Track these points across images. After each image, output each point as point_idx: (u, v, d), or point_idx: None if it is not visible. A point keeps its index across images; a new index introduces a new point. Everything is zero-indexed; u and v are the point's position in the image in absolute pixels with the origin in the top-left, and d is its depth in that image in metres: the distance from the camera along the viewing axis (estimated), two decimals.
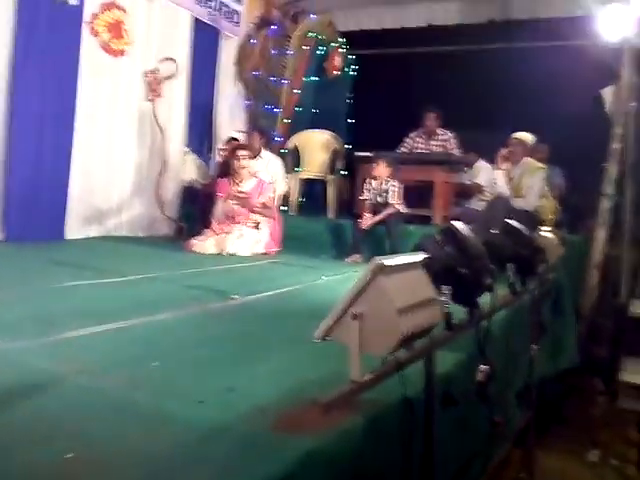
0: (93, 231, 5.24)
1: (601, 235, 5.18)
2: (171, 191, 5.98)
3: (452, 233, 1.83)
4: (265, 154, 5.78)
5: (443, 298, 1.71)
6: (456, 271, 1.75)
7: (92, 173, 5.20)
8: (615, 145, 5.22)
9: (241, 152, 5.07)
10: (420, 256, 1.58)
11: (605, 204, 5.21)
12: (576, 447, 3.77)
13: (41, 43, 4.63)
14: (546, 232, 3.39)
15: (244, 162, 5.03)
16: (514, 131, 5.16)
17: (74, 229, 5.05)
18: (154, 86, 5.61)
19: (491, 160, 5.84)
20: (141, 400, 1.49)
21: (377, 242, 4.97)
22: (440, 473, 1.72)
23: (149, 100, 5.64)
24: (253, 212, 5.00)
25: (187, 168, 6.22)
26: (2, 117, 4.49)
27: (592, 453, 3.67)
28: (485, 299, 1.98)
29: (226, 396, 1.55)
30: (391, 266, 1.35)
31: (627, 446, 3.75)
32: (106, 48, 5.17)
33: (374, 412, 1.47)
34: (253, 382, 1.68)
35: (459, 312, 1.94)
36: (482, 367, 1.93)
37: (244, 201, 4.97)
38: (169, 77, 5.79)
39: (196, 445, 1.25)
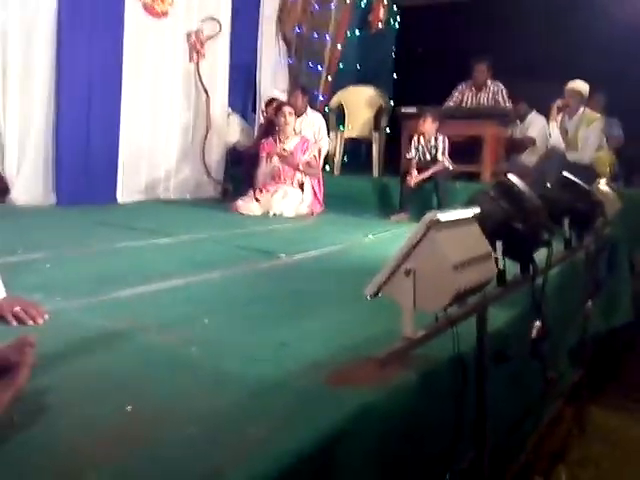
0: (142, 195, 5.35)
1: None
2: (216, 153, 6.01)
3: (507, 187, 1.77)
4: (309, 112, 5.72)
5: (497, 254, 1.67)
6: (511, 226, 1.70)
7: (140, 137, 5.27)
8: None
9: (287, 108, 5.01)
10: (474, 211, 1.53)
11: None
12: (630, 404, 3.70)
13: (85, 7, 4.65)
14: (603, 185, 3.25)
15: (289, 118, 4.98)
16: (568, 81, 4.91)
17: (124, 193, 5.16)
18: (197, 47, 5.59)
19: (544, 112, 5.60)
20: (196, 357, 1.52)
21: (424, 200, 4.88)
22: (492, 430, 1.71)
23: (193, 61, 5.62)
24: (297, 170, 4.98)
25: (231, 130, 6.24)
26: (50, 83, 4.57)
27: None
28: (541, 254, 1.92)
29: (279, 352, 1.57)
30: (445, 221, 1.31)
31: None
32: (149, 10, 5.16)
33: (427, 368, 1.46)
34: (305, 339, 1.69)
35: (513, 268, 1.90)
36: (536, 324, 1.88)
37: (288, 159, 4.95)
38: (211, 37, 5.74)
39: (251, 400, 1.27)
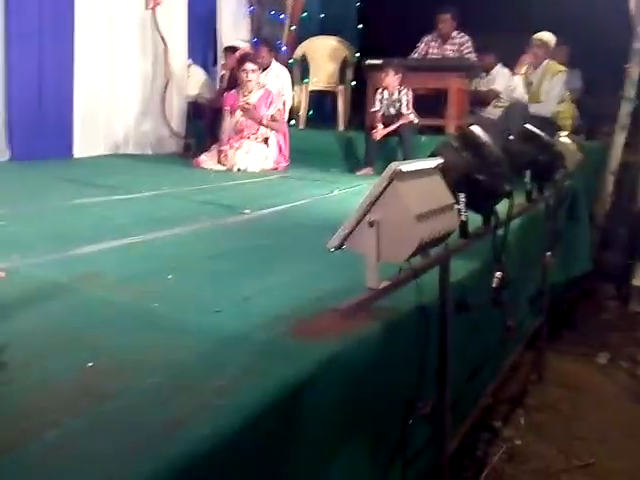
0: (100, 149, 5.18)
1: (619, 140, 5.03)
2: (177, 106, 5.83)
3: (470, 139, 1.77)
4: (274, 66, 5.57)
5: (460, 205, 1.68)
6: (474, 177, 1.71)
7: (96, 89, 5.07)
8: (637, 45, 4.95)
9: (249, 65, 4.85)
10: (437, 162, 1.52)
11: (625, 108, 5.03)
12: (586, 350, 3.86)
13: None
14: (564, 138, 3.29)
15: (252, 75, 4.83)
16: (532, 33, 4.89)
17: (81, 147, 4.99)
18: None
19: (509, 65, 5.59)
20: (158, 311, 1.50)
21: (389, 154, 4.86)
22: (454, 377, 1.76)
23: (149, 9, 5.37)
24: (261, 124, 4.89)
25: (192, 82, 6.05)
26: None
27: (602, 355, 3.76)
28: (502, 206, 1.94)
29: (242, 306, 1.57)
30: (407, 172, 1.30)
31: (637, 348, 3.82)
32: None
33: (390, 319, 1.48)
34: (269, 293, 1.69)
35: (475, 220, 1.92)
36: (497, 274, 1.92)
37: (251, 112, 4.84)
38: None
39: (214, 352, 1.27)
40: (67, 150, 4.86)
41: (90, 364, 1.14)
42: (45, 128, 4.64)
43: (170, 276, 1.80)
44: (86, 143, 5.02)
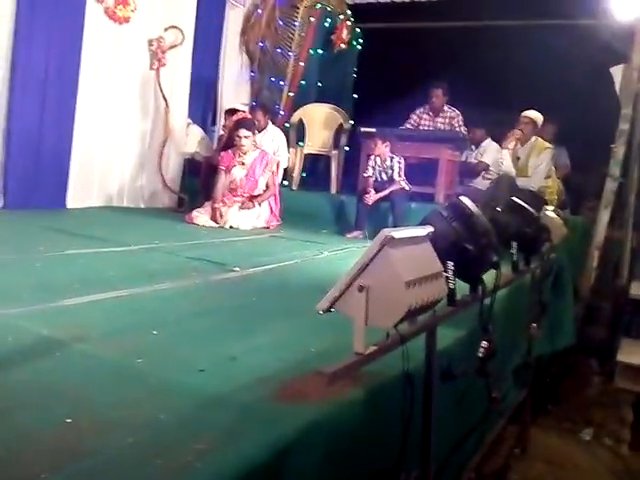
0: (94, 201, 5.21)
1: (604, 217, 5.16)
2: (173, 163, 5.93)
3: (459, 209, 1.81)
4: (270, 128, 5.73)
5: (448, 273, 1.70)
6: (462, 247, 1.74)
7: (95, 142, 5.15)
8: (623, 126, 5.16)
9: (243, 132, 4.97)
10: (427, 230, 1.56)
11: (610, 185, 5.18)
12: (570, 426, 3.81)
13: (45, 8, 4.54)
14: (550, 212, 3.37)
15: (245, 141, 4.94)
16: (521, 110, 5.10)
17: (75, 198, 5.02)
18: (158, 55, 5.53)
19: (498, 139, 5.79)
20: (142, 368, 1.49)
21: (379, 219, 4.94)
22: (437, 448, 1.73)
23: (153, 69, 5.56)
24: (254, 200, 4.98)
25: (190, 140, 6.18)
26: (4, 83, 4.43)
27: (586, 432, 3.71)
28: (489, 276, 1.97)
29: (227, 366, 1.55)
30: (399, 238, 1.33)
31: (621, 426, 3.78)
32: (111, 15, 5.08)
33: (375, 385, 1.47)
34: (255, 353, 1.68)
35: (462, 288, 1.94)
36: (483, 343, 1.92)
37: (248, 204, 4.93)
38: (174, 46, 5.70)
39: (196, 413, 1.25)
40: (61, 201, 4.89)
41: (69, 420, 1.12)
42: (41, 178, 4.68)
43: (155, 332, 1.79)
44: (80, 194, 5.06)
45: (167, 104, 5.67)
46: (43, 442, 1.04)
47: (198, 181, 5.65)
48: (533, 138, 4.89)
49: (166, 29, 5.62)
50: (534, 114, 4.89)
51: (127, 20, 5.23)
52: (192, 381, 1.42)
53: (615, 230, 5.23)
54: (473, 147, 6.14)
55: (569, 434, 3.69)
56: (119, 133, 5.38)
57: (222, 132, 6.11)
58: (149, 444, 1.08)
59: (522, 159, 4.87)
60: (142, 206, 5.62)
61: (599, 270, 5.17)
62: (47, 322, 1.79)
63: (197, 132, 6.33)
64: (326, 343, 1.78)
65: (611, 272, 5.16)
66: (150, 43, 5.50)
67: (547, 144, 4.93)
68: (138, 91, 5.51)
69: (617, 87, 5.22)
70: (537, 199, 3.43)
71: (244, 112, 5.81)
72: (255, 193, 5.02)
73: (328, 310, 1.39)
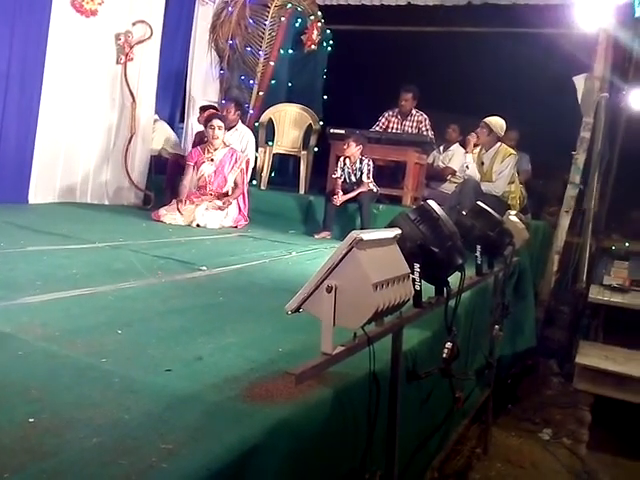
0: (57, 196, 5.09)
1: (565, 222, 5.31)
2: (140, 159, 5.83)
3: (426, 212, 1.84)
4: (240, 126, 5.70)
5: (414, 275, 1.73)
6: (428, 249, 1.77)
7: (59, 137, 5.03)
8: (584, 134, 5.32)
9: (216, 122, 4.96)
10: (395, 232, 1.58)
11: (571, 192, 5.33)
12: (530, 426, 3.90)
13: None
14: (513, 217, 3.45)
15: (218, 132, 4.93)
16: (486, 116, 5.20)
17: (37, 193, 4.89)
18: (126, 49, 5.43)
19: (464, 144, 5.89)
20: (106, 367, 1.47)
21: (347, 220, 4.98)
22: (402, 447, 1.76)
23: (120, 63, 5.47)
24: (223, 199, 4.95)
25: (156, 136, 6.10)
26: None
27: (545, 432, 3.81)
28: (453, 278, 2.01)
29: (194, 365, 1.55)
30: (367, 240, 1.35)
31: (579, 426, 3.89)
32: (78, 8, 4.97)
33: (342, 385, 1.49)
34: (222, 352, 1.67)
35: (428, 290, 1.97)
36: (448, 344, 1.96)
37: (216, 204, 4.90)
38: (141, 41, 5.61)
39: (162, 413, 1.24)
40: (23, 196, 4.76)
41: (31, 420, 1.10)
42: (2, 172, 4.54)
43: (120, 331, 1.76)
44: (43, 189, 4.93)
45: (134, 99, 5.58)
46: (5, 442, 1.02)
47: (164, 178, 5.57)
48: (497, 144, 4.99)
49: (134, 23, 5.53)
50: (491, 120, 4.98)
51: (94, 13, 5.12)
52: (158, 381, 1.41)
53: (575, 235, 5.39)
54: (441, 149, 6.25)
55: (529, 434, 3.78)
56: (84, 128, 5.26)
57: (195, 129, 6.05)
58: (114, 444, 1.07)
59: (486, 164, 4.97)
60: (106, 203, 5.52)
61: (559, 274, 5.32)
62: (9, 320, 1.75)
63: (164, 129, 6.26)
64: (294, 343, 1.79)
65: (571, 276, 5.31)
66: (117, 37, 5.40)
67: (511, 150, 5.04)
68: (104, 86, 5.40)
69: (579, 96, 5.37)
70: (501, 204, 3.51)
71: (216, 110, 5.77)
72: (224, 190, 5.00)
73: (297, 310, 1.40)
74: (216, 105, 6.17)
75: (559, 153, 5.83)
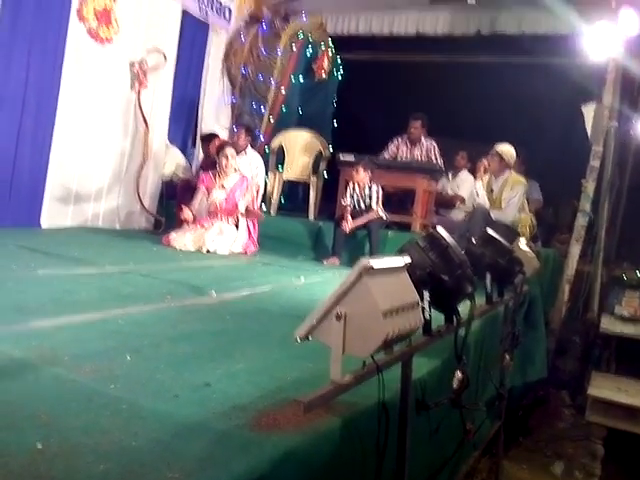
0: (69, 221, 5.14)
1: (575, 251, 5.28)
2: (151, 184, 5.91)
3: (436, 240, 1.84)
4: (249, 152, 5.76)
5: (424, 303, 1.72)
6: (438, 277, 1.76)
7: (72, 162, 5.10)
8: (594, 163, 5.32)
9: (229, 150, 5.01)
10: (404, 260, 1.58)
11: (581, 221, 5.31)
12: (542, 459, 3.83)
13: (27, 25, 4.53)
14: (523, 245, 3.43)
15: (232, 161, 4.99)
16: (495, 143, 5.23)
17: (50, 217, 4.94)
18: (140, 77, 5.54)
19: (472, 170, 5.91)
20: (115, 393, 1.46)
21: (356, 246, 4.98)
22: (412, 479, 1.73)
23: (134, 90, 5.57)
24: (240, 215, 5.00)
25: (168, 162, 6.17)
26: None
27: (557, 465, 3.73)
28: (463, 307, 2.00)
29: (202, 392, 1.54)
30: (377, 268, 1.35)
31: (592, 459, 3.81)
32: (93, 35, 5.09)
33: (351, 415, 1.47)
34: (230, 379, 1.66)
35: (438, 318, 1.96)
36: (458, 374, 1.94)
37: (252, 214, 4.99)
38: (155, 68, 5.72)
39: (170, 440, 1.23)
40: (35, 220, 4.81)
41: (40, 445, 1.09)
42: (15, 196, 4.60)
43: (129, 356, 1.76)
44: (55, 214, 4.98)
45: (147, 126, 5.67)
46: (14, 467, 1.01)
47: (175, 203, 5.62)
48: (507, 172, 5.00)
49: (148, 51, 5.65)
50: (503, 148, 5.00)
51: (110, 41, 5.24)
52: (166, 407, 1.40)
53: (586, 264, 5.35)
54: (450, 176, 6.26)
55: (540, 467, 3.70)
56: (97, 153, 5.34)
57: (203, 153, 6.15)
58: (121, 471, 1.06)
59: (495, 191, 4.97)
60: (118, 227, 5.57)
61: (570, 303, 5.27)
62: (19, 344, 1.75)
63: (175, 154, 6.33)
64: (302, 371, 1.77)
65: (582, 305, 5.26)
66: (132, 65, 5.52)
67: (520, 178, 5.05)
68: (118, 112, 5.50)
69: (588, 125, 5.39)
70: (510, 232, 3.50)
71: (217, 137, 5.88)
72: (234, 216, 5.03)
73: (305, 338, 1.40)
74: (219, 131, 6.26)
75: (569, 181, 5.83)
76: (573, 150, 5.73)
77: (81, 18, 4.94)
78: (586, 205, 5.32)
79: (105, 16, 5.13)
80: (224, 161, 4.98)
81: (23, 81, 4.58)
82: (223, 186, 5.01)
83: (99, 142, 5.34)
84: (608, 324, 4.83)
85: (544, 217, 6.40)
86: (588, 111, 5.45)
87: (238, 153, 5.49)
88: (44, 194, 4.88)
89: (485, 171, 5.07)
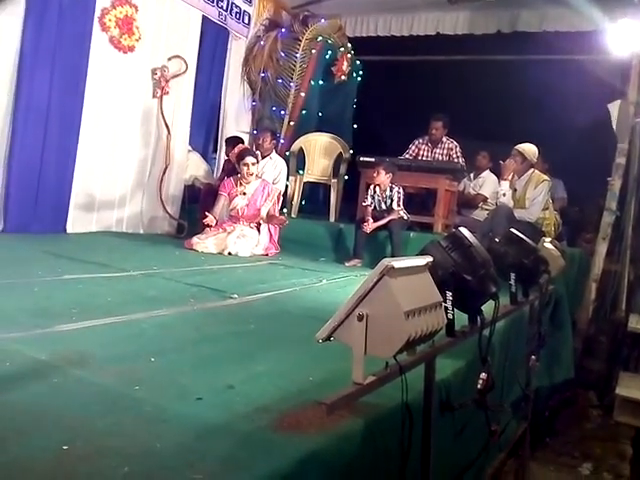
0: (94, 226, 5.23)
1: (602, 249, 5.18)
2: (174, 189, 5.97)
3: (458, 239, 1.82)
4: (274, 156, 5.79)
5: (447, 303, 1.71)
6: (461, 277, 1.74)
7: (96, 168, 5.19)
8: (619, 160, 5.22)
9: (250, 159, 5.04)
10: (426, 260, 1.57)
11: (607, 219, 5.22)
12: (569, 460, 3.76)
13: (51, 36, 4.62)
14: (548, 244, 3.38)
15: (252, 168, 5.03)
16: (518, 142, 5.16)
17: (75, 223, 5.03)
18: (162, 83, 5.61)
19: (494, 170, 5.85)
20: (139, 396, 1.47)
21: (378, 248, 4.96)
22: None
23: (156, 97, 5.63)
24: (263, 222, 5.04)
25: (190, 167, 6.23)
26: (7, 108, 4.47)
27: (585, 466, 3.66)
28: (487, 307, 1.97)
29: (225, 394, 1.54)
30: (399, 268, 1.34)
31: (620, 460, 3.74)
32: (115, 44, 5.17)
33: (374, 416, 1.46)
34: (253, 381, 1.66)
35: (460, 319, 1.94)
36: (482, 375, 1.91)
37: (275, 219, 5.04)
38: (177, 75, 5.79)
39: (193, 443, 1.23)
40: (61, 225, 4.90)
41: (65, 447, 1.11)
42: (41, 202, 4.69)
43: (153, 359, 1.78)
44: (80, 219, 5.07)
45: (169, 132, 5.73)
46: (39, 469, 1.03)
47: (198, 207, 5.67)
48: (530, 170, 4.93)
49: (170, 58, 5.72)
50: (524, 147, 4.92)
51: (132, 49, 5.32)
52: (189, 410, 1.41)
53: (612, 263, 5.25)
54: (471, 176, 6.20)
55: (568, 468, 3.64)
56: (121, 159, 5.42)
57: (225, 158, 6.18)
58: (144, 474, 1.07)
59: (519, 191, 4.90)
60: (141, 232, 5.64)
61: (597, 303, 5.17)
62: (45, 347, 1.78)
63: (197, 159, 6.39)
64: (325, 372, 1.77)
65: (609, 305, 5.16)
66: (154, 72, 5.59)
67: (544, 176, 4.97)
68: (141, 119, 5.57)
69: (614, 122, 5.29)
70: (535, 231, 3.45)
71: (243, 144, 5.90)
72: (255, 222, 5.06)
73: (327, 339, 1.39)
74: (241, 136, 6.30)
75: (594, 179, 5.73)
76: (598, 148, 5.62)
77: (103, 27, 5.03)
78: (612, 203, 5.23)
79: (127, 24, 5.21)
80: (245, 169, 5.01)
81: (47, 91, 4.67)
82: (244, 193, 5.05)
83: (123, 149, 5.42)
84: (636, 323, 4.72)
85: (569, 216, 6.30)
86: (614, 109, 5.36)
87: (264, 157, 5.54)
88: (70, 201, 4.96)
89: (507, 171, 5.00)
